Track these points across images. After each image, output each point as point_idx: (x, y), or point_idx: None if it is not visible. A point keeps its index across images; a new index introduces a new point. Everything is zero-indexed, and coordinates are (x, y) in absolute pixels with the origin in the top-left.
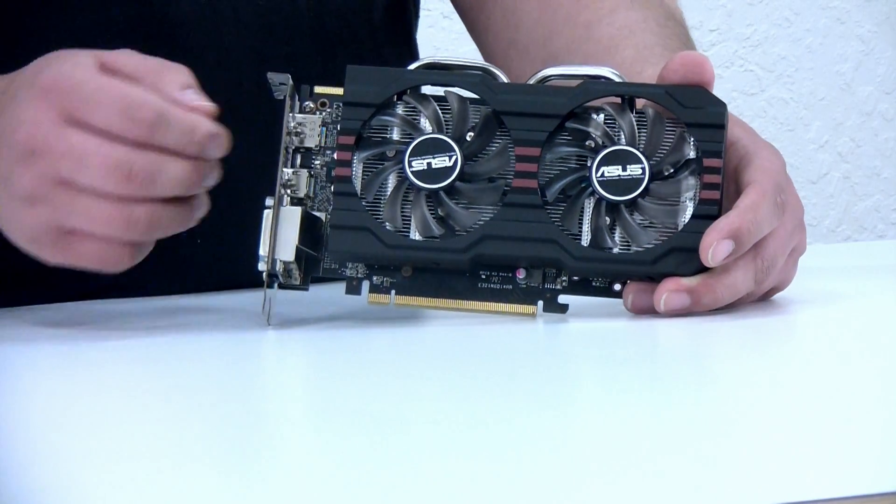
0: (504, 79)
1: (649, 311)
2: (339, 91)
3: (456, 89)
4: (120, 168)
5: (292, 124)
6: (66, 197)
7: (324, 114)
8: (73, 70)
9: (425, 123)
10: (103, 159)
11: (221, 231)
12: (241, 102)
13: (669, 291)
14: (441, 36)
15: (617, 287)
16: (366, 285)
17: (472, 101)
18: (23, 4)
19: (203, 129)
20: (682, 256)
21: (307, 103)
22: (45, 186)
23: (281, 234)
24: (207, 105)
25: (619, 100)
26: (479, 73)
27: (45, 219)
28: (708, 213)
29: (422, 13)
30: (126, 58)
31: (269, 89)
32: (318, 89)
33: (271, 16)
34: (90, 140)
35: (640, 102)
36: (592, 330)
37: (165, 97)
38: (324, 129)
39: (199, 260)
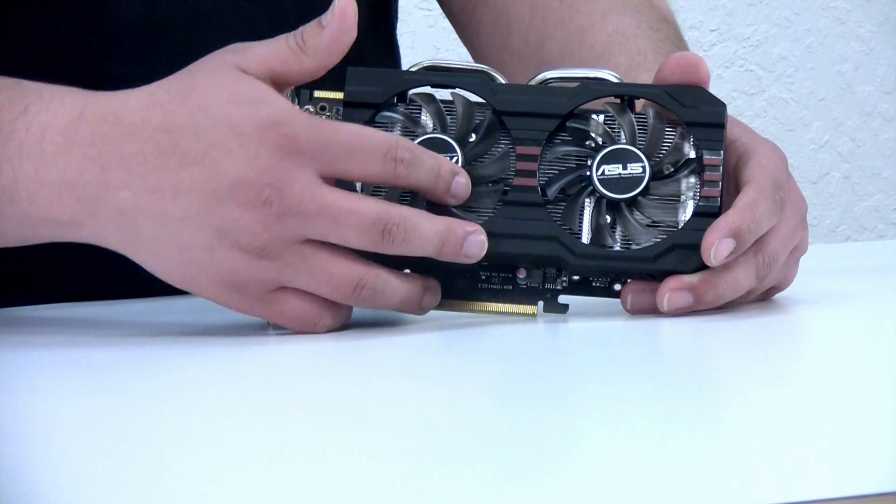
0: (502, 81)
1: (648, 312)
2: (338, 95)
3: (462, 91)
4: (377, 224)
5: None
6: (299, 257)
7: (323, 117)
8: (301, 118)
9: (427, 123)
10: (361, 217)
11: None
12: None
13: (671, 290)
14: (441, 35)
15: (617, 287)
16: None
17: (476, 104)
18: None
19: (446, 164)
20: (683, 254)
21: (307, 107)
22: (283, 244)
23: None
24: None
25: (618, 101)
26: (479, 74)
27: (269, 275)
28: (709, 211)
29: (422, 13)
30: (270, 57)
31: None
32: (318, 93)
33: (255, 15)
34: (344, 197)
35: (639, 103)
36: (592, 330)
37: None
38: None
39: None
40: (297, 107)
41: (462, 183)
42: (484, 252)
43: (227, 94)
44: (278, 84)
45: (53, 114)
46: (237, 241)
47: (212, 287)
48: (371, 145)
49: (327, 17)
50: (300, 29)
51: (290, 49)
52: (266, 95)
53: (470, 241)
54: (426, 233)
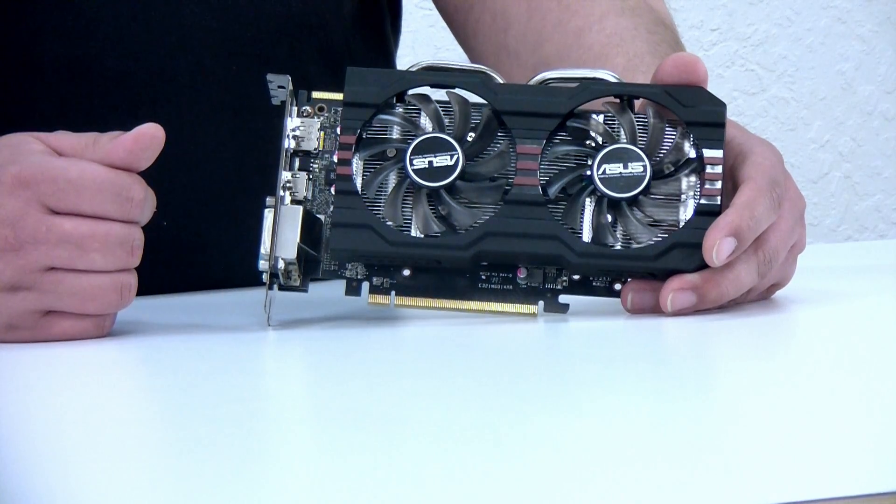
0: (501, 81)
1: (648, 311)
2: (337, 96)
3: (458, 90)
4: (124, 244)
5: (291, 127)
6: (52, 282)
7: (322, 118)
8: (38, 159)
9: (426, 123)
10: (104, 240)
11: (217, 230)
12: (205, 87)
13: (675, 291)
14: (441, 35)
15: (617, 287)
16: (365, 286)
17: (473, 104)
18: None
19: (151, 202)
20: (684, 252)
21: (305, 108)
22: (31, 275)
23: (282, 232)
24: (147, 133)
25: (618, 101)
26: (478, 75)
27: (27, 305)
28: (709, 210)
29: (422, 13)
30: (63, 140)
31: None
32: (316, 94)
33: (238, 1)
34: (84, 224)
35: (639, 104)
36: (593, 330)
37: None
38: (322, 132)
39: (195, 260)
40: (43, 147)
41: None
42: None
43: None
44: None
45: None
46: None
47: (1, 322)
48: (103, 184)
49: (127, 134)
50: (109, 133)
51: (84, 140)
52: (19, 141)
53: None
54: (142, 240)
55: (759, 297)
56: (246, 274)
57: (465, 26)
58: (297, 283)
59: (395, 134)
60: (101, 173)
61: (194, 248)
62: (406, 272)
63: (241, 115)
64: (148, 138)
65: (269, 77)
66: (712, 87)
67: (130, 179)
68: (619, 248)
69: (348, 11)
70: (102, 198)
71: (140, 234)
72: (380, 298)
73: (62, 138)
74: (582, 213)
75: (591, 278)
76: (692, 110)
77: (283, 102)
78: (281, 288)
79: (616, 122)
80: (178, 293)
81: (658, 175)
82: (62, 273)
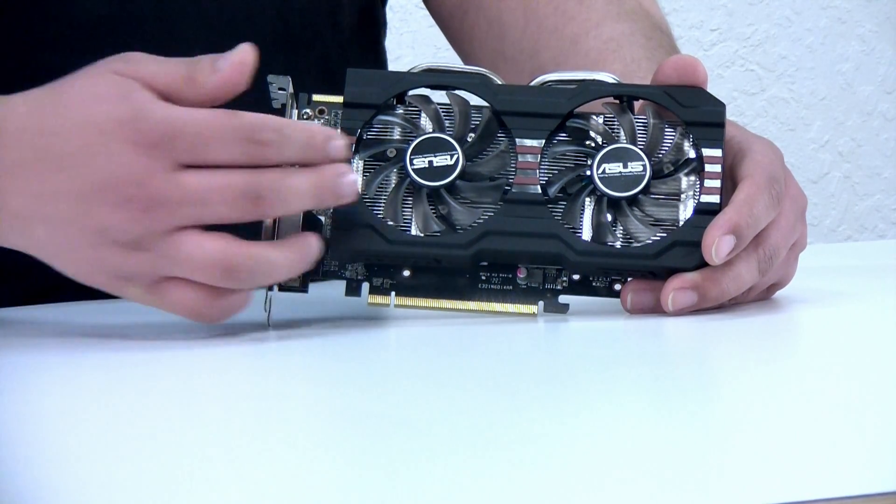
0: (501, 83)
1: (648, 311)
2: (338, 99)
3: (460, 92)
4: (247, 194)
5: None
6: (171, 246)
7: (322, 121)
8: (159, 112)
9: (426, 124)
10: (228, 192)
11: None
12: None
13: (675, 290)
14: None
15: (617, 287)
16: (365, 287)
17: (473, 105)
18: None
19: (320, 133)
20: (684, 250)
21: (305, 110)
22: (154, 236)
23: (282, 233)
24: (239, 61)
25: (617, 102)
26: (478, 76)
27: (147, 266)
28: (709, 209)
29: (422, 13)
30: (158, 78)
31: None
32: (317, 97)
33: (233, 11)
34: (206, 178)
35: (638, 105)
36: (593, 330)
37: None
38: None
39: None
40: (149, 95)
41: (338, 146)
42: (357, 190)
43: (93, 93)
44: (163, 97)
45: None
46: (114, 238)
47: (108, 282)
48: (229, 131)
49: (222, 63)
50: (199, 59)
51: (178, 76)
52: (128, 92)
53: (342, 183)
54: (300, 188)
55: (760, 296)
56: None
57: (459, 32)
58: (297, 284)
59: (396, 135)
60: (226, 121)
61: None
62: (406, 272)
63: None
64: (246, 66)
65: (270, 78)
66: (712, 88)
67: (259, 122)
68: (619, 246)
69: (347, 25)
70: (229, 146)
71: (268, 180)
72: (380, 299)
73: (157, 76)
74: (582, 213)
75: (591, 278)
76: (692, 110)
77: (284, 105)
78: (281, 288)
79: (616, 122)
80: None
81: (658, 174)
82: (185, 236)
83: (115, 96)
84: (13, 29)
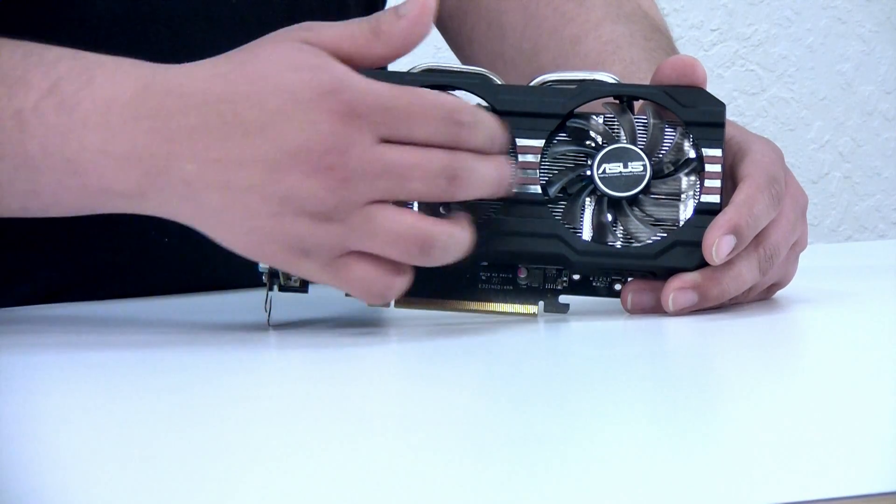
0: (501, 83)
1: (648, 311)
2: None
3: (458, 92)
4: (445, 172)
5: None
6: (365, 218)
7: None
8: (362, 84)
9: None
10: (427, 169)
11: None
12: None
13: (676, 290)
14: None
15: (617, 287)
16: None
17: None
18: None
19: (500, 125)
20: (684, 250)
21: None
22: (349, 207)
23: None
24: (420, 8)
25: (617, 102)
26: (478, 76)
27: (336, 238)
28: (709, 209)
29: None
30: (343, 43)
31: None
32: None
33: (244, 12)
34: (407, 153)
35: (638, 106)
36: (593, 330)
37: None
38: None
39: (196, 261)
40: (356, 72)
41: (508, 141)
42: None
43: (287, 61)
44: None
45: (119, 86)
46: (302, 207)
47: (280, 254)
48: (432, 109)
49: (406, 6)
50: (375, 15)
51: (362, 33)
52: (325, 62)
53: (513, 179)
54: (488, 175)
55: (760, 296)
56: (247, 276)
57: (459, 34)
58: (297, 284)
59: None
60: (429, 99)
61: (195, 249)
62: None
63: None
64: (428, 8)
65: None
66: (712, 88)
67: (458, 104)
68: (619, 246)
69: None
70: (431, 124)
71: (464, 161)
72: None
73: (342, 40)
74: (582, 213)
75: (591, 278)
76: (691, 110)
77: None
78: (281, 289)
79: (616, 122)
80: (179, 294)
81: (658, 174)
82: (381, 209)
83: (311, 65)
84: (26, 28)
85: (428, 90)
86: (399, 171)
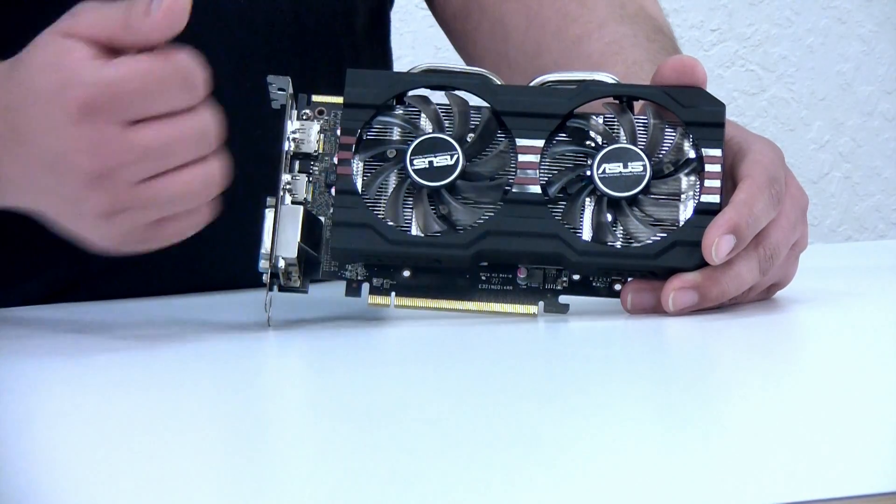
0: (500, 83)
1: (648, 311)
2: (337, 99)
3: (459, 93)
4: (205, 133)
5: (290, 130)
6: (149, 195)
7: (321, 121)
8: (93, 74)
9: (426, 124)
10: (187, 136)
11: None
12: (215, 98)
13: (676, 290)
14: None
15: (617, 287)
16: (366, 287)
17: (472, 106)
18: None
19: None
20: (684, 250)
21: (305, 111)
22: (123, 197)
23: (283, 232)
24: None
25: (617, 102)
26: (478, 77)
27: (132, 223)
28: (709, 209)
29: (422, 13)
30: (94, 29)
31: (266, 93)
32: (316, 98)
33: (251, 13)
34: (162, 129)
35: (638, 106)
36: (593, 330)
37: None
38: (321, 135)
39: (196, 262)
40: (87, 51)
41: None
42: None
43: (38, 62)
44: (108, 48)
45: None
46: (90, 209)
47: (114, 245)
48: (165, 81)
49: (155, 4)
50: (130, 4)
51: (116, 22)
52: (61, 60)
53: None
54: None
55: (760, 296)
56: (247, 276)
57: (462, 34)
58: (298, 284)
59: (395, 135)
60: (159, 69)
61: (195, 249)
62: (406, 273)
63: (249, 126)
64: (179, 10)
65: (270, 79)
66: (712, 88)
67: (187, 65)
68: (619, 246)
69: (359, 27)
70: (170, 95)
71: (209, 116)
72: (380, 299)
73: (97, 26)
74: (582, 213)
75: (591, 278)
76: (691, 111)
77: (283, 106)
78: (281, 289)
79: (616, 122)
80: (179, 294)
81: (658, 174)
82: (156, 182)
83: (51, 64)
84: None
85: (162, 57)
86: (159, 149)
